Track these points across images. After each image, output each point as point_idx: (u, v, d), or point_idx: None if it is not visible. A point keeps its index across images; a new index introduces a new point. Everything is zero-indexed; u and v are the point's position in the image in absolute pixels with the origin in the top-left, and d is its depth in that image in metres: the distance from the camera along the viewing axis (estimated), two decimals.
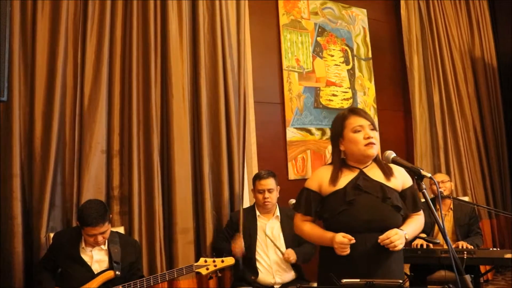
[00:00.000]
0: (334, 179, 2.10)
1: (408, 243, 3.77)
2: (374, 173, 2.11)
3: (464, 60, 5.51)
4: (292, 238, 3.16)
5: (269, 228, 3.23)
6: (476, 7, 5.76)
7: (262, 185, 3.25)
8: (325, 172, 2.15)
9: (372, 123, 2.10)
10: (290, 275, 3.17)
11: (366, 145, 2.06)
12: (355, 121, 2.10)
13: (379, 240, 1.97)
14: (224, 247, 3.23)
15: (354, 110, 2.15)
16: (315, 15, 4.75)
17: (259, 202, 3.27)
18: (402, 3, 5.28)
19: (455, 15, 5.60)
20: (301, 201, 2.19)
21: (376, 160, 2.14)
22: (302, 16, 4.63)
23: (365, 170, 2.12)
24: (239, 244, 3.10)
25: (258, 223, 3.25)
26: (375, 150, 2.08)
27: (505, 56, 5.65)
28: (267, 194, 3.22)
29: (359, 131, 2.08)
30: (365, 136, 2.06)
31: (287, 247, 3.16)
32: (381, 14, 5.38)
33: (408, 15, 5.29)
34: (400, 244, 1.97)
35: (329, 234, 2.04)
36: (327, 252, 2.12)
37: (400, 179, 2.14)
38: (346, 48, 4.95)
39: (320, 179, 2.15)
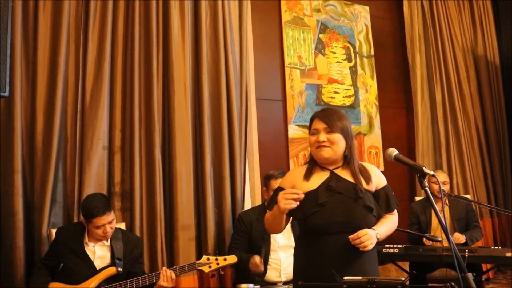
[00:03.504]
0: (304, 179, 2.11)
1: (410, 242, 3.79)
2: (347, 174, 2.11)
3: (467, 58, 5.50)
4: None
5: None
6: (479, 5, 5.75)
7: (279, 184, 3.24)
8: (299, 172, 2.17)
9: (330, 125, 2.08)
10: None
11: (317, 148, 2.09)
12: (313, 124, 2.14)
13: (349, 238, 1.97)
14: (244, 258, 3.08)
15: (317, 113, 2.17)
16: (317, 12, 4.73)
17: None
18: (405, 1, 5.27)
19: (458, 12, 5.58)
20: (274, 199, 2.16)
21: (348, 161, 2.13)
22: (304, 13, 4.62)
23: (336, 171, 2.12)
24: (256, 265, 3.01)
25: None
26: (327, 153, 2.08)
27: (507, 55, 5.63)
28: None
29: (314, 134, 2.12)
30: (316, 140, 2.09)
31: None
32: (383, 11, 5.36)
33: (411, 12, 5.28)
34: (370, 244, 1.97)
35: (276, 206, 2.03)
36: (300, 253, 2.13)
37: (374, 179, 2.13)
38: (348, 45, 4.94)
39: (293, 179, 2.16)
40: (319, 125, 2.11)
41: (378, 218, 2.12)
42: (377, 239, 2.01)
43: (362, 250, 1.97)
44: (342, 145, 2.09)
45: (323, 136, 2.08)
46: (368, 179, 2.10)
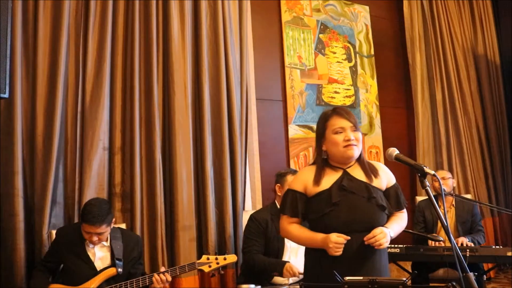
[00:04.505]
0: (317, 180, 2.09)
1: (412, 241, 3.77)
2: (358, 172, 2.11)
3: (467, 57, 5.49)
4: None
5: None
6: (479, 4, 5.73)
7: None
8: (309, 173, 2.14)
9: (355, 124, 2.09)
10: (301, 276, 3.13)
11: (346, 146, 2.06)
12: (336, 122, 2.09)
13: (365, 239, 1.97)
14: (275, 264, 3.00)
15: (336, 111, 2.14)
16: (317, 12, 4.73)
17: None
18: (405, 0, 5.26)
19: (458, 12, 5.57)
20: (287, 202, 2.15)
21: (359, 160, 2.13)
22: (304, 13, 4.62)
23: (348, 170, 2.11)
24: (294, 273, 2.92)
25: None
26: (356, 151, 2.07)
27: (508, 54, 5.61)
28: None
29: (340, 132, 2.07)
30: (345, 138, 2.06)
31: None
32: (383, 11, 5.36)
33: (411, 12, 5.27)
34: (385, 243, 1.98)
35: (320, 236, 2.03)
36: (313, 253, 2.12)
37: (384, 178, 2.14)
38: (349, 45, 4.93)
39: (304, 179, 2.13)
40: (345, 123, 2.08)
41: (388, 216, 2.12)
42: (390, 237, 2.02)
43: (377, 248, 1.98)
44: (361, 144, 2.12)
45: (351, 135, 2.06)
46: (378, 177, 2.11)
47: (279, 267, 2.94)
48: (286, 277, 2.96)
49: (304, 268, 2.21)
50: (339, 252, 1.96)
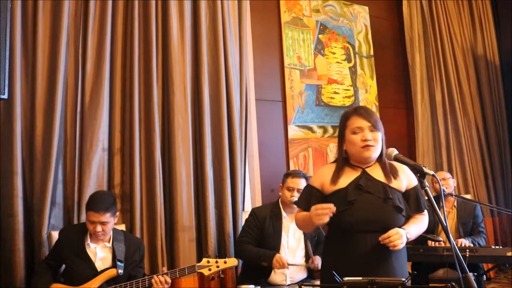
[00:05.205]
0: (334, 179, 2.11)
1: (412, 242, 3.77)
2: (377, 173, 2.11)
3: (467, 57, 5.49)
4: (312, 240, 3.16)
5: (292, 229, 3.15)
6: (479, 4, 5.73)
7: (294, 183, 3.15)
8: (329, 171, 2.16)
9: (374, 124, 2.07)
10: (302, 276, 3.13)
11: (363, 147, 2.06)
12: (355, 122, 2.09)
13: (380, 239, 1.97)
14: (266, 254, 3.04)
15: (357, 110, 2.14)
16: (316, 12, 4.73)
17: (286, 199, 3.16)
18: (404, 1, 5.26)
19: (457, 12, 5.58)
20: (302, 196, 2.22)
21: (380, 160, 2.13)
22: (303, 13, 4.62)
23: (368, 170, 2.11)
24: (283, 264, 2.97)
25: (284, 223, 3.16)
26: (373, 152, 2.07)
27: (507, 54, 5.61)
28: (295, 193, 3.12)
29: (357, 132, 2.07)
30: (362, 139, 2.05)
31: (307, 249, 3.11)
32: (383, 11, 5.36)
33: (410, 12, 5.28)
34: (400, 244, 1.96)
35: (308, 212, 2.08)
36: (329, 251, 2.14)
37: (405, 179, 2.13)
38: (348, 45, 4.93)
39: (323, 177, 2.16)
40: (363, 123, 2.07)
41: (407, 218, 2.11)
42: (407, 238, 2.01)
43: (392, 249, 1.97)
44: (381, 144, 2.10)
45: (369, 135, 2.06)
46: (398, 178, 2.10)
47: (269, 257, 2.99)
48: (276, 268, 2.99)
49: (321, 265, 2.25)
50: (321, 220, 1.95)
